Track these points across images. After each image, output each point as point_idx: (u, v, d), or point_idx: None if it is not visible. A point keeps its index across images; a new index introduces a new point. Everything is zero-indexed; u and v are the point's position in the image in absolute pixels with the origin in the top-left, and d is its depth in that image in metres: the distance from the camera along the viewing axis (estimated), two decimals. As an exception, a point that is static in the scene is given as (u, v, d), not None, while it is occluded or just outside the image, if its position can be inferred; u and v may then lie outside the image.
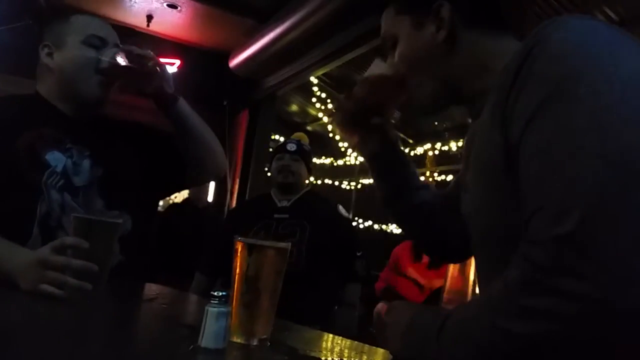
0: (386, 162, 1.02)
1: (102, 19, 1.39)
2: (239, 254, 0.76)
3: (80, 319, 0.86)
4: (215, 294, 0.68)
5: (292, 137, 2.61)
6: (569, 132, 0.54)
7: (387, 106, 0.96)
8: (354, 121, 0.98)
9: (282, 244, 0.78)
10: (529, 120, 0.59)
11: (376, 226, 7.16)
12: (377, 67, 0.92)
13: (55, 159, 1.21)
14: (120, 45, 1.30)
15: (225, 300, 0.69)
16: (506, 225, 0.66)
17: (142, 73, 1.23)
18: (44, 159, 1.19)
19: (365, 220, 7.17)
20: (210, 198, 4.98)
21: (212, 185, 5.05)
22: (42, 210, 1.16)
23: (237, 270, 0.76)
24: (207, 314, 0.67)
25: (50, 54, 1.28)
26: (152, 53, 1.23)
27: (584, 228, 0.49)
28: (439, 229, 0.99)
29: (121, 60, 1.21)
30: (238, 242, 0.77)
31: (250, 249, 0.76)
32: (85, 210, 1.20)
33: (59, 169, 1.20)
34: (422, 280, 4.32)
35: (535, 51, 0.61)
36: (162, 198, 1.07)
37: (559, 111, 0.56)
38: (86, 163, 1.24)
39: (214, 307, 0.68)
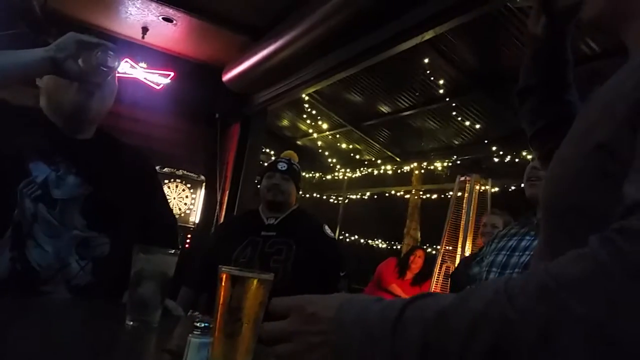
0: (541, 50, 0.93)
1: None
2: (222, 285, 0.76)
3: (60, 342, 0.86)
4: (198, 324, 0.70)
5: (282, 155, 2.64)
6: None
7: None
8: None
9: (265, 275, 0.78)
10: None
11: (362, 240, 7.24)
12: None
13: (38, 169, 1.23)
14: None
15: (207, 331, 0.70)
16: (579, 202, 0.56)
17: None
18: (26, 167, 1.22)
19: (351, 234, 7.25)
20: (197, 218, 5.07)
21: (201, 197, 5.08)
22: (16, 217, 1.20)
23: (221, 300, 0.75)
24: (189, 345, 0.69)
25: None
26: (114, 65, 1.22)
27: None
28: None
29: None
30: (222, 273, 0.76)
31: (233, 280, 0.75)
32: (60, 223, 1.23)
33: (39, 179, 1.22)
34: (405, 297, 4.37)
35: None
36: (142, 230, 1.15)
37: None
38: (72, 179, 1.26)
39: (197, 337, 0.69)
